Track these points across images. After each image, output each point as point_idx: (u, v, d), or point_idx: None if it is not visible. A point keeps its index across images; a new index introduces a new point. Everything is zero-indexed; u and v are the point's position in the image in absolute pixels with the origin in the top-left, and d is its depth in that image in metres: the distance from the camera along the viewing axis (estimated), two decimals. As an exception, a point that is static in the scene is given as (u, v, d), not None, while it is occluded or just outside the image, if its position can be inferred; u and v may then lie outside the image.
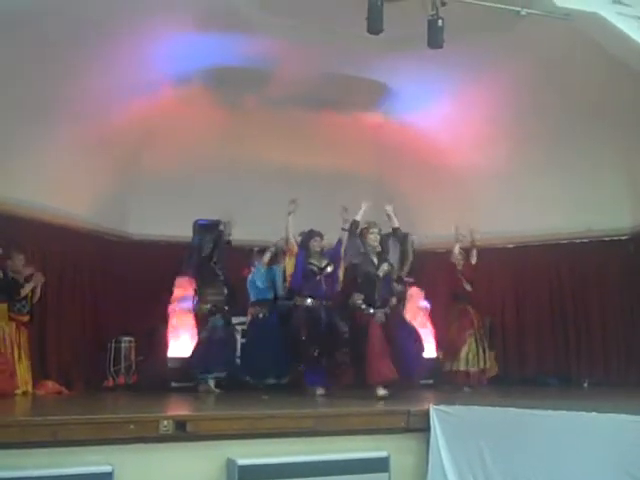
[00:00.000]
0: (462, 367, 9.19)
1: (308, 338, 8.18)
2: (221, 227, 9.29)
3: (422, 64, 9.06)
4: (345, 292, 8.39)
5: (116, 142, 9.96)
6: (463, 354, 9.21)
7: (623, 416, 4.66)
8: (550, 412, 5.13)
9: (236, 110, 10.58)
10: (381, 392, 7.50)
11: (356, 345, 7.91)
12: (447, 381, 9.30)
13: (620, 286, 10.35)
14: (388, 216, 8.32)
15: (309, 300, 8.30)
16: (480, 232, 9.55)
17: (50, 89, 8.45)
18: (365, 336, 7.70)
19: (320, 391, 8.15)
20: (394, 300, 8.21)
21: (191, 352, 9.04)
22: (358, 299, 7.92)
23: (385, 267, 8.03)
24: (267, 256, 9.20)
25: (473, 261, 9.44)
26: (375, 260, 8.02)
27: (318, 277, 8.36)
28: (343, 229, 8.34)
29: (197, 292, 9.30)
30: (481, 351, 9.29)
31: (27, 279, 8.53)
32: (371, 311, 7.82)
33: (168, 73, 9.55)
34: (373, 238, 8.04)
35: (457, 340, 9.28)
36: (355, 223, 8.13)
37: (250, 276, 9.43)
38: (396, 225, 8.34)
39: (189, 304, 9.54)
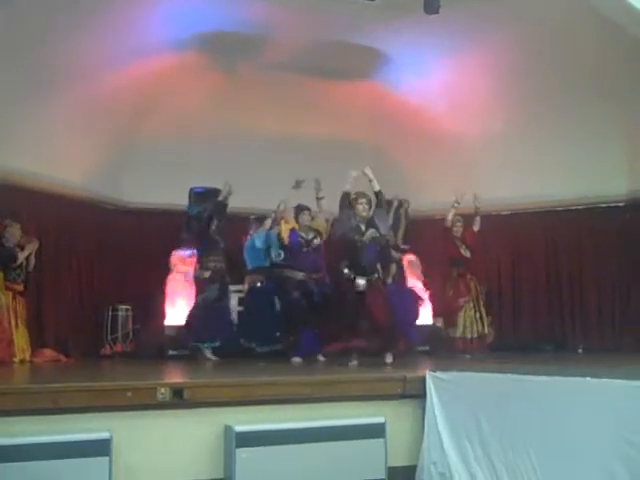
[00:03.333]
0: (459, 334, 9.22)
1: (297, 310, 8.31)
2: (221, 196, 9.21)
3: (419, 30, 8.98)
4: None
5: (111, 110, 9.89)
6: (460, 321, 9.24)
7: (618, 381, 4.69)
8: (545, 378, 5.15)
9: (232, 77, 10.49)
10: (351, 362, 7.58)
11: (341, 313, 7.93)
12: (445, 348, 9.33)
13: (615, 253, 10.39)
14: (369, 180, 7.98)
15: (300, 274, 8.38)
16: (477, 199, 9.55)
17: (45, 57, 8.38)
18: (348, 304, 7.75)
19: (297, 359, 8.24)
20: (378, 266, 8.11)
21: (186, 319, 9.07)
22: (344, 267, 7.90)
23: (370, 233, 7.89)
24: (268, 222, 9.23)
25: (476, 228, 9.42)
26: (363, 228, 7.96)
27: (305, 249, 8.45)
28: (318, 198, 8.36)
29: (198, 259, 9.25)
30: (478, 318, 9.30)
31: (22, 248, 8.54)
32: (353, 278, 7.75)
33: (164, 40, 9.44)
34: (362, 208, 7.92)
35: (453, 307, 9.31)
36: (346, 195, 7.91)
37: (247, 243, 9.44)
38: (377, 188, 8.02)
39: (187, 271, 9.54)
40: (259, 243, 9.15)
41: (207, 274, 8.99)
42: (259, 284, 9.16)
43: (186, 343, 9.13)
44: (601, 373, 5.05)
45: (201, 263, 9.12)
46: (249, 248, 9.35)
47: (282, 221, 8.74)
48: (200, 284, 9.08)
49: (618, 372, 5.50)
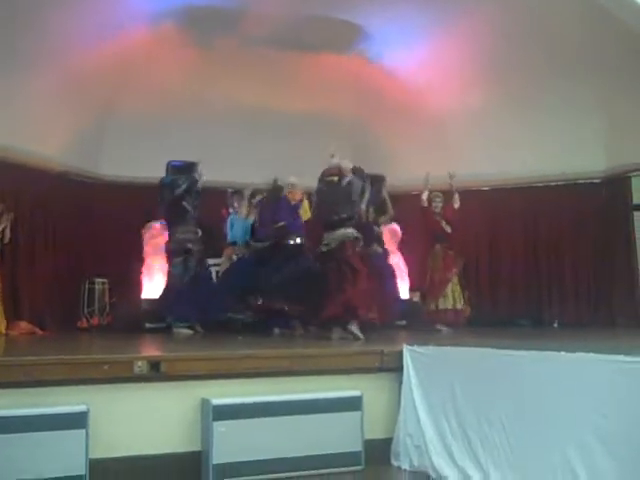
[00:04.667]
0: (449, 305, 9.25)
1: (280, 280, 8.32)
2: (196, 172, 9.14)
3: (400, 6, 8.95)
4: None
5: (88, 83, 9.79)
6: (449, 292, 9.27)
7: (592, 355, 4.73)
8: (521, 352, 5.19)
9: (210, 51, 10.38)
10: (334, 335, 7.58)
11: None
12: (423, 322, 9.33)
13: (592, 229, 10.47)
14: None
15: (298, 239, 8.45)
16: (456, 174, 9.55)
17: (21, 31, 8.28)
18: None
19: (277, 331, 8.35)
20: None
21: (160, 295, 9.02)
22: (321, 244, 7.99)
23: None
24: (244, 210, 9.24)
25: (456, 205, 9.43)
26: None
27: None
28: None
29: (168, 232, 9.19)
30: (459, 292, 9.37)
31: (-2, 221, 8.48)
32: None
33: (141, 13, 9.35)
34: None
35: (443, 280, 9.31)
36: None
37: (230, 218, 9.42)
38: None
39: (162, 245, 9.50)
40: (240, 230, 9.18)
41: (175, 245, 8.92)
42: (240, 256, 9.15)
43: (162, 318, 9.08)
44: (576, 347, 5.09)
45: (170, 235, 9.05)
46: (232, 224, 9.34)
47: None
48: (171, 256, 9.01)
49: (592, 346, 5.56)
